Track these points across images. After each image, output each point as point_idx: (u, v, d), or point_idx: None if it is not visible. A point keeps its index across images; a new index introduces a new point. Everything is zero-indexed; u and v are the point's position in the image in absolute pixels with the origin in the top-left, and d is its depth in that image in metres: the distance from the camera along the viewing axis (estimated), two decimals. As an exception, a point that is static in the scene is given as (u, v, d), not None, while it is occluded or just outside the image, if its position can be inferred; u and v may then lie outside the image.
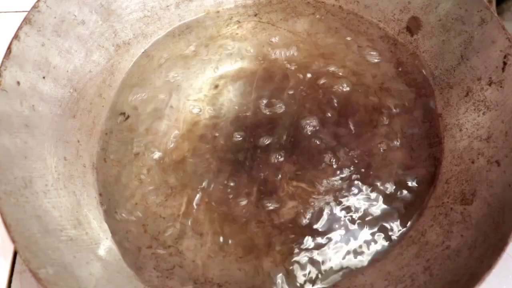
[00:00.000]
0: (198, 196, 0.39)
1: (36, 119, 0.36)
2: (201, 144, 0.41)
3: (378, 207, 0.38)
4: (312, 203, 0.38)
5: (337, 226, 0.37)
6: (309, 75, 0.43)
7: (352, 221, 0.37)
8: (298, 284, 0.36)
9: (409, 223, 0.37)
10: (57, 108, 0.38)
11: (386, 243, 0.36)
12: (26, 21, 0.35)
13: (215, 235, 0.38)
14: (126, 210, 0.39)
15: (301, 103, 0.41)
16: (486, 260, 0.29)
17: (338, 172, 0.39)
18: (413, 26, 0.42)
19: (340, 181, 0.39)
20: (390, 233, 0.37)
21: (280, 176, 0.39)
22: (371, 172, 0.39)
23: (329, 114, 0.40)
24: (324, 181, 0.39)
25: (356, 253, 0.36)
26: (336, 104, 0.41)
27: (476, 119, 0.36)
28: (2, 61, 0.34)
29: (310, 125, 0.41)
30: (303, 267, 0.36)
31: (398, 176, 0.38)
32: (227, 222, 0.38)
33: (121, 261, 0.36)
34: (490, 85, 0.36)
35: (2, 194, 0.31)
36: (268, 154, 0.40)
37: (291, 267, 0.36)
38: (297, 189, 0.39)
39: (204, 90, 0.43)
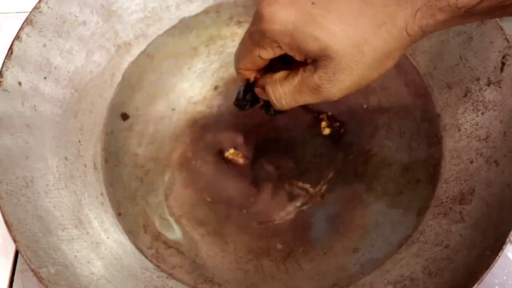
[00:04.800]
0: (199, 196, 0.39)
1: (37, 119, 0.36)
2: (201, 145, 0.41)
3: (378, 207, 0.38)
4: (312, 204, 0.38)
5: (336, 225, 0.37)
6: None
7: (352, 221, 0.37)
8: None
9: (408, 223, 0.37)
10: (58, 109, 0.38)
11: (385, 243, 0.36)
12: (28, 22, 0.36)
13: (216, 235, 0.38)
14: (127, 211, 0.39)
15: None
16: (485, 259, 0.30)
17: (338, 172, 0.39)
18: (412, 26, 0.42)
19: (339, 181, 0.39)
20: (389, 233, 0.37)
21: (281, 176, 0.39)
22: (370, 173, 0.39)
23: (329, 114, 0.41)
24: (323, 181, 0.39)
25: (356, 252, 0.36)
26: (336, 104, 0.41)
27: (475, 119, 0.37)
28: (4, 62, 0.34)
29: (310, 125, 0.41)
30: (303, 266, 0.36)
31: (397, 176, 0.38)
32: (228, 222, 0.38)
33: (122, 260, 0.36)
34: (488, 85, 0.36)
35: (4, 194, 0.31)
36: (269, 154, 0.40)
37: (291, 266, 0.36)
38: (298, 190, 0.39)
39: (204, 90, 0.43)
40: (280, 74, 0.29)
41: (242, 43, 0.28)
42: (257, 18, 0.26)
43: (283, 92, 0.28)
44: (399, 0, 0.24)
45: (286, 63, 0.29)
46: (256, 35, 0.26)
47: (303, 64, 0.27)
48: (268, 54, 0.27)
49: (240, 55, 0.29)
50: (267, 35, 0.26)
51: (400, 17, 0.24)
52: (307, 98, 0.28)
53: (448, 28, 0.38)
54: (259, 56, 0.27)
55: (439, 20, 0.24)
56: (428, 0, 0.23)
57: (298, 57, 0.27)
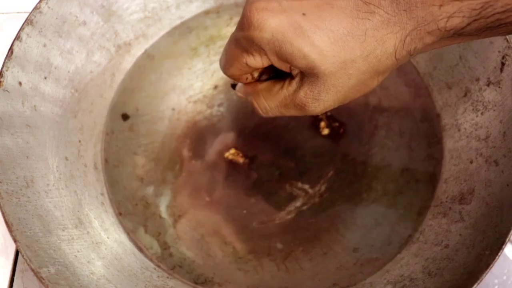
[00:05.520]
0: (198, 196, 0.39)
1: (37, 119, 0.36)
2: (201, 144, 0.41)
3: (378, 207, 0.38)
4: (312, 204, 0.38)
5: (336, 225, 0.37)
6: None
7: (351, 220, 0.37)
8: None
9: (408, 223, 0.37)
10: (58, 108, 0.38)
11: (385, 243, 0.36)
12: (28, 22, 0.36)
13: (216, 235, 0.38)
14: (127, 210, 0.39)
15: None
16: (485, 259, 0.30)
17: (338, 172, 0.39)
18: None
19: (339, 181, 0.39)
20: (389, 233, 0.37)
21: (281, 176, 0.39)
22: (370, 172, 0.39)
23: (328, 114, 0.41)
24: (323, 181, 0.39)
25: (356, 252, 0.36)
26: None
27: (475, 119, 0.37)
28: (4, 62, 0.34)
29: (309, 125, 0.41)
30: (303, 265, 0.36)
31: (397, 176, 0.38)
32: (228, 222, 0.38)
33: (122, 260, 0.36)
34: (488, 85, 0.36)
35: (4, 194, 0.31)
36: (269, 154, 0.40)
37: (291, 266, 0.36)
38: (298, 190, 0.39)
39: (204, 90, 0.43)
40: (264, 86, 0.28)
41: (228, 50, 0.27)
42: (246, 24, 0.25)
43: (268, 105, 0.28)
44: (389, 23, 0.23)
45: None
46: (243, 41, 0.25)
47: (287, 74, 0.27)
48: (256, 62, 0.26)
49: (226, 62, 0.28)
50: (255, 42, 0.25)
51: (390, 43, 0.24)
52: (292, 112, 0.27)
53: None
54: (246, 64, 0.26)
55: (427, 43, 0.24)
56: (417, 25, 0.23)
57: (284, 69, 0.26)
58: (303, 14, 0.24)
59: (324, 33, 0.23)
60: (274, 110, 0.28)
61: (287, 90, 0.27)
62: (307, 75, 0.25)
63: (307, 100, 0.26)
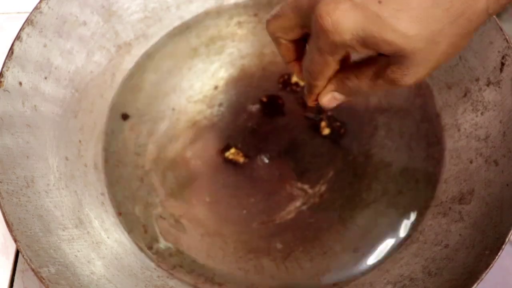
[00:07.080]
0: (198, 196, 0.39)
1: (38, 119, 0.36)
2: (201, 144, 0.41)
3: (378, 207, 0.38)
4: (312, 204, 0.38)
5: (336, 225, 0.37)
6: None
7: (351, 220, 0.37)
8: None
9: (408, 223, 0.37)
10: (58, 108, 0.38)
11: (385, 243, 0.36)
12: (28, 22, 0.36)
13: (215, 235, 0.38)
14: (127, 210, 0.39)
15: (300, 103, 0.42)
16: (484, 259, 0.30)
17: (338, 172, 0.39)
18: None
19: (339, 181, 0.39)
20: (389, 233, 0.37)
21: (281, 176, 0.39)
22: (370, 173, 0.39)
23: (329, 114, 0.41)
24: (323, 181, 0.39)
25: (356, 252, 0.36)
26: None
27: (475, 119, 0.37)
28: (4, 62, 0.34)
29: (309, 125, 0.41)
30: (303, 265, 0.36)
31: (396, 176, 0.38)
32: (228, 222, 0.38)
33: (122, 260, 0.36)
34: (488, 85, 0.36)
35: (5, 194, 0.31)
36: (270, 154, 0.40)
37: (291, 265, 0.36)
38: (298, 190, 0.39)
39: (205, 90, 0.43)
40: (353, 70, 0.28)
41: (314, 62, 0.27)
42: (321, 32, 0.24)
43: (356, 85, 0.28)
44: None
45: None
46: (326, 48, 0.25)
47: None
48: (343, 54, 0.26)
49: (317, 73, 0.27)
50: (338, 45, 0.24)
51: (482, 1, 0.23)
52: (384, 88, 0.27)
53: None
54: (338, 61, 0.26)
55: None
56: None
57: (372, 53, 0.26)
58: (379, 2, 0.23)
59: (404, 14, 0.23)
60: (364, 86, 0.28)
61: (376, 67, 0.26)
62: (394, 57, 0.25)
63: (396, 77, 0.26)
